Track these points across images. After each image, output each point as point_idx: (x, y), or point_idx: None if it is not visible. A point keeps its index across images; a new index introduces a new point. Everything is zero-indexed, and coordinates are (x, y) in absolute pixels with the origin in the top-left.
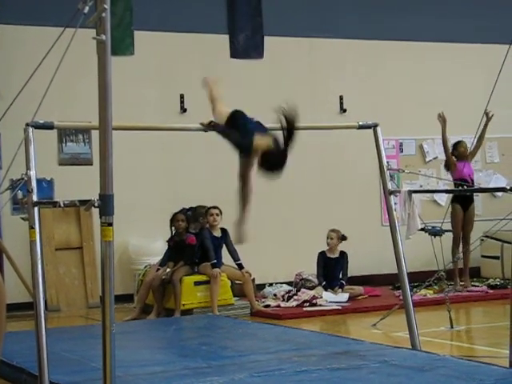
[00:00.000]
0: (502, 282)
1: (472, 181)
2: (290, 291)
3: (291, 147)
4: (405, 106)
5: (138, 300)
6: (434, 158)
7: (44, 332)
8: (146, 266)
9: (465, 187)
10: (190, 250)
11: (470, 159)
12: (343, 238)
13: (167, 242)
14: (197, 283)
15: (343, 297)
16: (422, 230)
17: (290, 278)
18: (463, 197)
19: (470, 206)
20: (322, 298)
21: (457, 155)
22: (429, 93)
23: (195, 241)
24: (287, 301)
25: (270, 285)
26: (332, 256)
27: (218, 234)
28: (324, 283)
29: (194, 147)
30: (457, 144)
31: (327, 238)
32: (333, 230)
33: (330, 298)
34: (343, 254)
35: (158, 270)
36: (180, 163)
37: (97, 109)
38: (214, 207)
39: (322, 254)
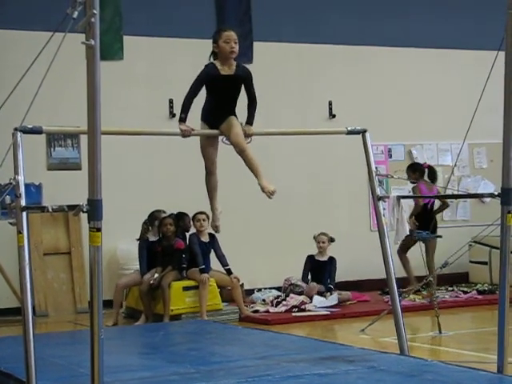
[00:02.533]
0: (491, 287)
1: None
2: (278, 296)
3: None
4: (394, 111)
5: (114, 304)
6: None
7: (32, 337)
8: (134, 271)
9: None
10: (179, 255)
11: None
12: (332, 240)
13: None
14: (185, 288)
15: (333, 299)
16: (411, 235)
17: (279, 283)
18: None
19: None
20: (318, 293)
21: (414, 179)
22: (417, 99)
23: (183, 245)
24: (276, 306)
25: (259, 290)
26: (320, 259)
27: (205, 239)
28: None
29: (184, 152)
30: (415, 167)
31: (319, 242)
32: (323, 234)
33: (320, 303)
34: (332, 259)
35: (144, 274)
36: (169, 168)
37: (85, 113)
38: (201, 212)
39: (310, 258)
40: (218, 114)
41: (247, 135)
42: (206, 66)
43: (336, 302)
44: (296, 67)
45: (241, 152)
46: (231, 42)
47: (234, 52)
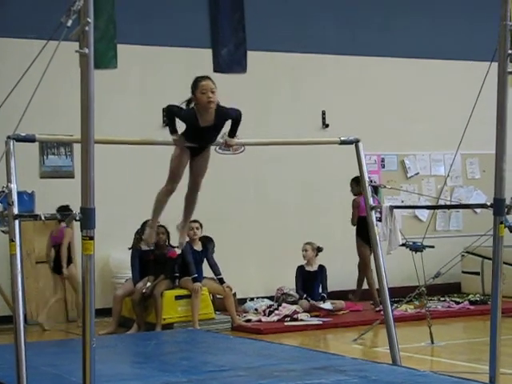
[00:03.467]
0: (483, 297)
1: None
2: (271, 306)
3: None
4: (387, 121)
5: (113, 314)
6: (416, 174)
7: (23, 346)
8: (126, 280)
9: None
10: (171, 264)
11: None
12: (319, 249)
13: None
14: (178, 297)
15: (328, 305)
16: (403, 245)
17: (272, 292)
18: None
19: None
20: (305, 311)
21: (357, 191)
22: (411, 109)
23: (176, 254)
24: (268, 315)
25: (252, 299)
26: (310, 269)
27: (198, 247)
28: (305, 295)
29: None
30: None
31: (302, 250)
32: (307, 243)
33: (328, 306)
34: (322, 268)
35: (137, 283)
36: (162, 177)
37: (79, 122)
38: (194, 221)
39: (300, 268)
40: (194, 149)
41: (228, 145)
42: (186, 108)
43: (331, 307)
44: (289, 77)
45: (194, 189)
46: (208, 93)
47: (211, 102)
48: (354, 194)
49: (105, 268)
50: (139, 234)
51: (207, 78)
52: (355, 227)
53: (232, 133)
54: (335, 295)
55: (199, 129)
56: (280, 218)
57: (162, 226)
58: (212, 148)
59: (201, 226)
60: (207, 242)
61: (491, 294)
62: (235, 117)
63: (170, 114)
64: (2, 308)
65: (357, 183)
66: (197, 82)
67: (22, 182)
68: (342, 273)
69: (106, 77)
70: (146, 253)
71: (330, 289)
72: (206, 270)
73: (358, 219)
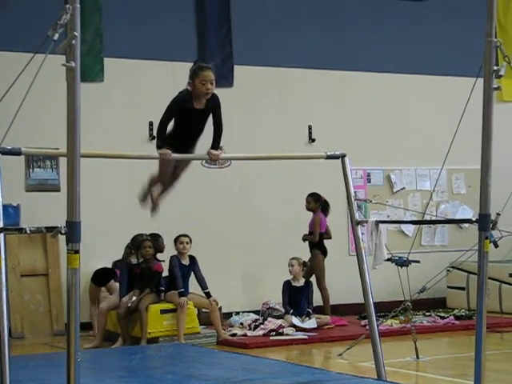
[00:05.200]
0: (468, 312)
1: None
2: (256, 320)
3: None
4: (373, 136)
5: (98, 328)
6: (402, 189)
7: (7, 360)
8: (113, 294)
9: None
10: (157, 278)
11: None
12: (305, 264)
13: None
14: (163, 311)
15: (312, 323)
16: (389, 260)
17: (257, 306)
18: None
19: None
20: (290, 326)
21: (313, 207)
22: (397, 124)
23: (162, 268)
24: (254, 330)
25: (237, 313)
26: (297, 285)
27: (186, 262)
28: (291, 311)
29: None
30: (317, 197)
31: (288, 265)
32: (293, 258)
33: (300, 324)
34: (308, 283)
35: (123, 297)
36: None
37: (65, 135)
38: (185, 235)
39: (287, 283)
40: (182, 143)
41: (212, 159)
42: (180, 92)
43: (315, 325)
44: (276, 91)
45: (174, 179)
46: (207, 84)
47: (208, 93)
48: (309, 210)
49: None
50: (130, 248)
51: (209, 68)
52: (306, 242)
53: (215, 144)
54: (320, 310)
55: (192, 110)
56: (266, 233)
57: (149, 240)
58: (198, 162)
59: (190, 240)
60: (194, 257)
61: (476, 309)
62: (219, 103)
63: (164, 123)
64: None
65: (314, 199)
66: (198, 71)
67: (8, 195)
68: (328, 287)
69: (92, 90)
70: (133, 266)
71: (315, 303)
72: (192, 285)
73: (312, 233)
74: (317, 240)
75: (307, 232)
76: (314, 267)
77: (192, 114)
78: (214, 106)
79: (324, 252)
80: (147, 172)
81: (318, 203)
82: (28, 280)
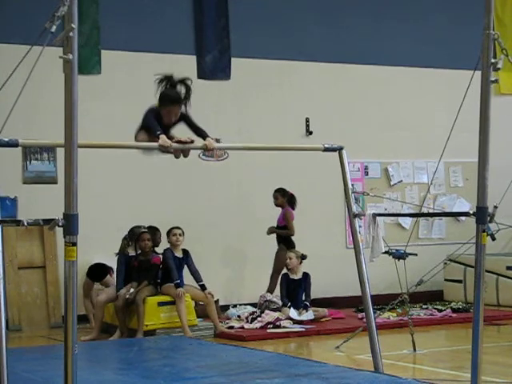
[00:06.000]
0: (465, 305)
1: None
2: (253, 313)
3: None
4: (370, 129)
5: (95, 320)
6: (399, 182)
7: (5, 352)
8: (111, 286)
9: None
10: (155, 270)
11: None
12: (303, 257)
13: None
14: (160, 304)
15: (309, 315)
16: (386, 252)
17: (254, 299)
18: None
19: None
20: (287, 318)
21: (281, 202)
22: (394, 116)
23: (160, 261)
24: (251, 322)
25: (234, 306)
26: (295, 277)
27: (179, 254)
28: (289, 304)
29: (159, 166)
30: (284, 192)
31: (286, 258)
32: (291, 251)
33: (297, 317)
34: (306, 276)
35: (120, 289)
36: (144, 182)
37: (62, 127)
38: (177, 227)
39: (284, 276)
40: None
41: (209, 148)
42: (151, 108)
43: (312, 317)
44: (273, 84)
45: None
46: (171, 116)
47: (171, 123)
48: (277, 206)
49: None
50: (127, 239)
51: (177, 102)
52: (272, 235)
53: (202, 132)
54: (318, 302)
55: (161, 124)
56: (264, 225)
57: (147, 233)
58: (195, 154)
59: (183, 233)
60: (187, 251)
61: (473, 302)
62: (185, 117)
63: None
64: None
65: (282, 194)
66: (167, 103)
67: (5, 187)
68: (323, 280)
69: (89, 82)
70: (131, 259)
71: (313, 296)
72: (187, 278)
73: (282, 228)
74: (293, 234)
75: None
76: (279, 259)
77: (162, 126)
78: (182, 118)
79: (293, 246)
80: (144, 163)
81: (285, 198)
82: (25, 272)
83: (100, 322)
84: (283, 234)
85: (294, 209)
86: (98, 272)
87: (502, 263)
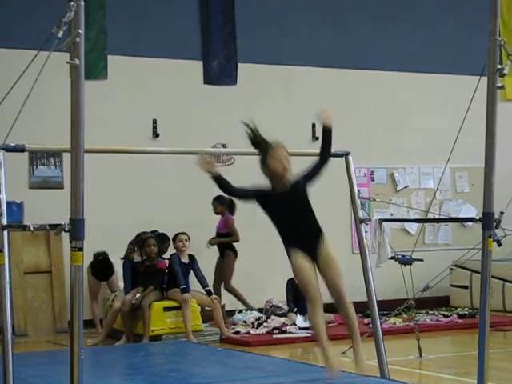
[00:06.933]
0: (471, 311)
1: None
2: (259, 318)
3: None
4: (377, 134)
5: (105, 325)
6: (405, 187)
7: (11, 357)
8: (115, 292)
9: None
10: (161, 275)
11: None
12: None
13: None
14: (166, 309)
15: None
16: (393, 258)
17: (260, 304)
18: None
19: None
20: (293, 324)
21: (220, 211)
22: (400, 122)
23: (166, 266)
24: (257, 328)
25: (240, 311)
26: None
27: (185, 260)
28: (295, 309)
29: (165, 172)
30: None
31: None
32: None
33: (302, 324)
34: None
35: (126, 294)
36: (151, 188)
37: (68, 133)
38: (183, 233)
39: (290, 281)
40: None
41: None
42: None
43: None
44: (280, 89)
45: (337, 297)
46: (281, 159)
47: (286, 169)
48: (217, 214)
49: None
50: (133, 244)
51: (279, 144)
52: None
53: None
54: (324, 308)
55: (277, 195)
56: (269, 231)
57: (153, 238)
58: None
59: (189, 238)
60: (193, 256)
61: (479, 308)
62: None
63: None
64: None
65: (220, 202)
66: (269, 148)
67: (11, 192)
68: None
69: (95, 87)
70: (137, 264)
71: None
72: (192, 283)
73: (223, 235)
74: (239, 239)
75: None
76: (224, 268)
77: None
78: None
79: (235, 252)
80: (150, 169)
81: (223, 205)
82: (31, 277)
83: (109, 327)
84: (228, 242)
85: (233, 214)
86: (102, 269)
87: (509, 269)
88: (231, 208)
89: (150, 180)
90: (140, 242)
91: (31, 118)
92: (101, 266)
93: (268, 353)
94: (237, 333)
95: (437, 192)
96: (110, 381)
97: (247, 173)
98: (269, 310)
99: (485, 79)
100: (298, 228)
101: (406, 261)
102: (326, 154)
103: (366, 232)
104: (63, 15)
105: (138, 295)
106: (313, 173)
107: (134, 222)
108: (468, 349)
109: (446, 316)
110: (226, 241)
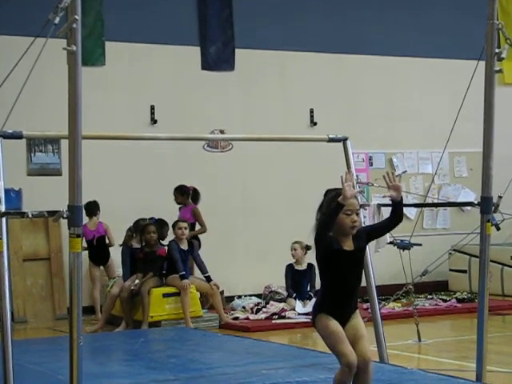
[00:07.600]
0: (470, 295)
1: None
2: (258, 304)
3: None
4: (374, 119)
5: (103, 311)
6: (404, 172)
7: (10, 344)
8: (114, 278)
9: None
10: (160, 262)
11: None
12: (308, 247)
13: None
14: (165, 295)
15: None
16: (391, 243)
17: (259, 290)
18: None
19: None
20: (292, 309)
21: (181, 201)
22: (399, 107)
23: (165, 252)
24: (256, 313)
25: (239, 297)
26: (300, 268)
27: (185, 246)
28: (294, 295)
29: (164, 159)
30: (183, 189)
31: (291, 249)
32: (296, 242)
33: (302, 310)
34: (311, 266)
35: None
36: (149, 174)
37: (66, 119)
38: (183, 220)
39: (289, 266)
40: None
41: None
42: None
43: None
44: (278, 74)
45: (362, 369)
46: (353, 214)
47: (356, 227)
48: (178, 203)
49: None
50: (131, 231)
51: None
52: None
53: None
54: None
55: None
56: (268, 216)
57: (153, 225)
58: (200, 145)
59: (189, 225)
60: (193, 241)
61: (478, 292)
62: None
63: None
64: None
65: (181, 193)
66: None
67: (9, 179)
68: None
69: (93, 73)
70: (136, 250)
71: (318, 287)
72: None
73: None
74: (206, 230)
75: None
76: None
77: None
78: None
79: (199, 242)
80: (148, 156)
81: (185, 195)
82: (30, 264)
83: (108, 313)
84: (197, 233)
85: (197, 204)
86: (102, 255)
87: (507, 253)
88: (195, 197)
89: (148, 166)
90: (139, 228)
91: (29, 105)
92: (97, 252)
93: (267, 338)
94: (236, 318)
95: (435, 177)
96: (110, 367)
97: (246, 159)
98: (267, 296)
99: (483, 63)
100: (350, 293)
101: (404, 246)
102: (397, 220)
103: (364, 217)
104: (60, 1)
105: (137, 281)
106: (376, 233)
107: (132, 209)
108: (467, 333)
109: (445, 300)
110: (193, 233)
